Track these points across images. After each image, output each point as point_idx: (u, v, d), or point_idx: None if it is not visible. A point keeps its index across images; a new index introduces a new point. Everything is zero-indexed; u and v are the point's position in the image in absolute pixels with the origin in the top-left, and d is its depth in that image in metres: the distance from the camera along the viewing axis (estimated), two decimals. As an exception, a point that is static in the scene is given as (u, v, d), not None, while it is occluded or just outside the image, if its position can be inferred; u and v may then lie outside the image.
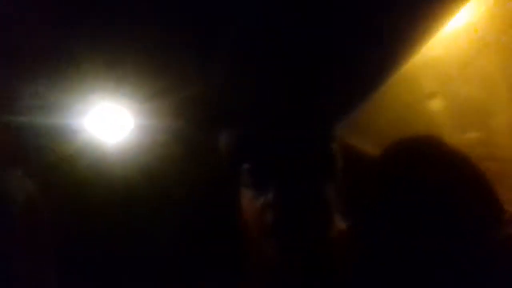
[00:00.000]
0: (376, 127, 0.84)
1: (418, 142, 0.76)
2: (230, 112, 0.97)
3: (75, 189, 1.11)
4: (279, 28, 0.93)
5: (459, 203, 0.68)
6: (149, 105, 1.11)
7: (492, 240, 0.67)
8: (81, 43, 1.09)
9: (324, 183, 0.67)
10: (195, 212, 0.99)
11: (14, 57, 1.12)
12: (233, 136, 0.73)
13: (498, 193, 0.70)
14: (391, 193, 0.71)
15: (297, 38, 0.87)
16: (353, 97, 0.82)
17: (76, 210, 1.11)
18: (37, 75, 1.12)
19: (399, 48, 0.91)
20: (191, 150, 1.06)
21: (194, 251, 0.94)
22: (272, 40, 0.91)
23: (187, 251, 0.99)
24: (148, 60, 1.12)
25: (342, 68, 0.83)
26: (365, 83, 0.84)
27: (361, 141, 0.78)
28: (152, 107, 1.11)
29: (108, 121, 1.13)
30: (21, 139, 1.14)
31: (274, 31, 0.93)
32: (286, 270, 0.68)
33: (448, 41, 0.96)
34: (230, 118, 0.93)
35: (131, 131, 1.11)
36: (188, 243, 0.98)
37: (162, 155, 1.09)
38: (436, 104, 0.99)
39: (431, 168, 0.70)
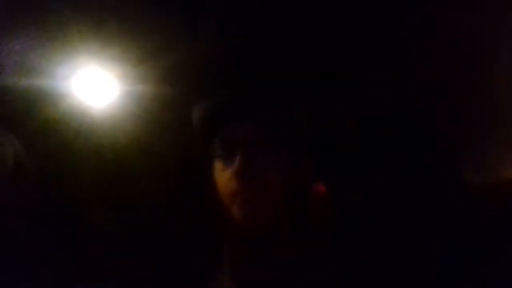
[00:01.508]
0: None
1: (391, 110, 0.75)
2: (212, 79, 0.96)
3: (61, 151, 1.12)
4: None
5: (430, 166, 0.69)
6: (135, 70, 1.11)
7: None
8: (67, 5, 1.08)
9: (292, 151, 0.67)
10: (177, 177, 1.00)
11: None
12: (204, 109, 0.73)
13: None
14: (367, 159, 0.71)
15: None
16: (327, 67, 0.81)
17: (61, 173, 1.12)
18: (23, 37, 1.12)
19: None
20: (176, 116, 1.06)
21: (173, 215, 0.96)
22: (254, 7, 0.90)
23: (167, 215, 1.00)
24: (135, 25, 1.11)
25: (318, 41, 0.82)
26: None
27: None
28: (138, 73, 1.10)
29: (94, 86, 1.13)
30: (8, 101, 1.14)
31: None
32: (254, 238, 0.69)
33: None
34: (212, 86, 0.92)
35: (116, 96, 1.11)
36: (168, 208, 0.99)
37: (147, 120, 1.09)
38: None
39: (405, 135, 0.70)
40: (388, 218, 0.69)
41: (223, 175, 0.68)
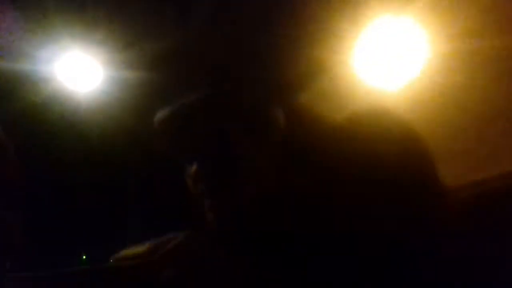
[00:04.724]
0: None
1: (374, 115, 0.75)
2: (198, 69, 0.96)
3: (44, 135, 1.12)
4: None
5: (405, 177, 0.69)
6: (120, 55, 1.10)
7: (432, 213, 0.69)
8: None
9: (253, 151, 0.67)
10: (159, 163, 1.01)
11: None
12: (163, 119, 0.73)
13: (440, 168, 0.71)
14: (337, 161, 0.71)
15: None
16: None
17: (43, 157, 1.12)
18: (7, 21, 1.10)
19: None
20: (159, 103, 1.06)
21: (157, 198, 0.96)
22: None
23: (151, 207, 1.01)
24: (120, 10, 1.10)
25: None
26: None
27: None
28: (123, 58, 1.10)
29: (78, 71, 1.12)
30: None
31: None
32: (222, 232, 0.69)
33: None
34: (197, 75, 0.92)
35: (100, 82, 1.10)
36: (150, 201, 1.00)
37: (131, 107, 1.09)
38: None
39: (381, 142, 0.71)
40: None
41: (189, 177, 0.69)
